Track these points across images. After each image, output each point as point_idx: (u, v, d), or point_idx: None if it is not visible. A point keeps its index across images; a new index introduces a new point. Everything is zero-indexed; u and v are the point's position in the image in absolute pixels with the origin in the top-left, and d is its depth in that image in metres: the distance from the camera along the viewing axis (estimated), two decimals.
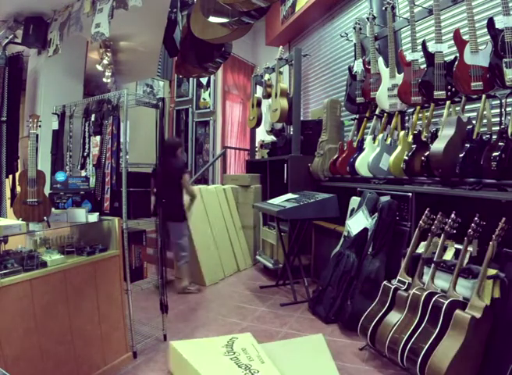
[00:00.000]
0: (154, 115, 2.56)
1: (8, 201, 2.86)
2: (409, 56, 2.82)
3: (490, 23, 2.22)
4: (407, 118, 3.30)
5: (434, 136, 2.61)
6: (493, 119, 2.50)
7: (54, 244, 2.09)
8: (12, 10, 3.08)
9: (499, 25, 2.19)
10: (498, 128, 2.30)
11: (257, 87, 5.13)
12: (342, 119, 4.05)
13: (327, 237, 3.53)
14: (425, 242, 2.28)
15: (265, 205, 3.49)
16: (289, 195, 3.55)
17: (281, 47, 4.55)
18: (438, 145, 2.45)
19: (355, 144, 3.44)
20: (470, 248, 2.05)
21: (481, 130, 2.38)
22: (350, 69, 3.57)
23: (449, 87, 2.53)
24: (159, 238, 2.56)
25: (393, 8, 3.11)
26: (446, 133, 2.44)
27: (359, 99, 3.39)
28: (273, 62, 4.56)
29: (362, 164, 3.18)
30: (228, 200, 4.48)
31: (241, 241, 4.47)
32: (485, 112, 2.42)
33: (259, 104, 4.87)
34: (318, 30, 5.09)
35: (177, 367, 1.97)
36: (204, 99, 6.46)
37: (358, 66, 3.41)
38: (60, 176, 2.31)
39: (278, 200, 3.47)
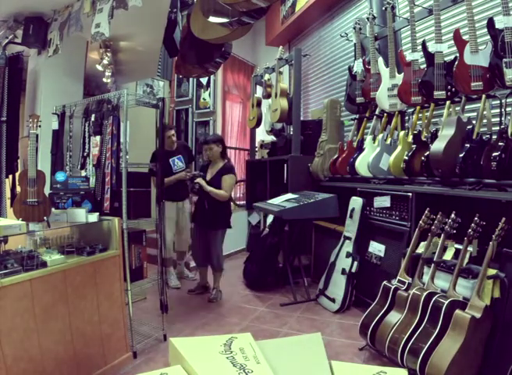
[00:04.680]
0: (154, 115, 2.56)
1: (8, 201, 2.86)
2: (409, 56, 2.82)
3: (490, 23, 2.22)
4: (407, 118, 3.30)
5: (434, 136, 2.61)
6: (493, 119, 2.50)
7: (54, 244, 2.09)
8: (12, 10, 3.08)
9: (499, 25, 2.19)
10: (498, 128, 2.30)
11: (257, 87, 5.12)
12: (342, 119, 4.05)
13: (327, 237, 3.53)
14: (425, 242, 2.28)
15: (265, 205, 3.49)
16: (289, 195, 3.55)
17: (281, 47, 4.54)
18: (438, 145, 2.45)
19: (355, 144, 3.44)
20: (470, 248, 2.05)
21: (481, 130, 2.38)
22: (350, 69, 3.57)
23: (449, 87, 2.53)
24: (159, 238, 2.56)
25: (393, 8, 3.11)
26: (446, 133, 2.44)
27: (359, 99, 3.39)
28: (273, 62, 4.55)
29: (362, 164, 3.18)
30: None
31: None
32: (485, 112, 2.42)
33: (259, 104, 4.87)
34: (318, 30, 5.08)
35: (175, 363, 1.98)
36: (204, 99, 6.46)
37: (358, 66, 3.41)
38: (60, 176, 2.31)
39: (278, 200, 3.47)
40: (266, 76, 4.66)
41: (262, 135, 5.64)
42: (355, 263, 2.98)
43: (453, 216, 2.14)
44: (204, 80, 6.37)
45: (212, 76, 6.13)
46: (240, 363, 1.65)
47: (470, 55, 2.35)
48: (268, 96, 4.56)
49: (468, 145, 2.33)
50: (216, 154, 3.32)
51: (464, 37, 2.39)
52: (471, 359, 1.81)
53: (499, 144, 2.16)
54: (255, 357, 1.71)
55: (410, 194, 2.62)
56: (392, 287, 2.25)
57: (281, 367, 1.68)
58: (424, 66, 2.69)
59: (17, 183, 2.32)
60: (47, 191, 2.26)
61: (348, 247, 3.06)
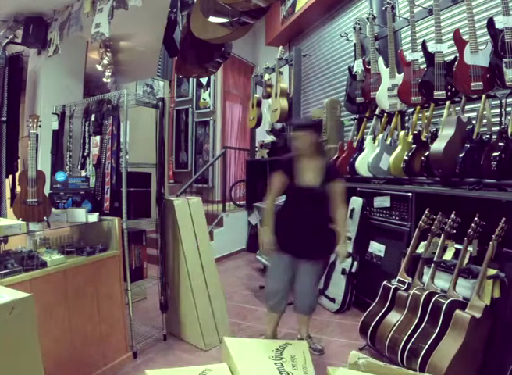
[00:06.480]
0: (154, 115, 2.56)
1: (8, 201, 2.86)
2: (409, 56, 2.82)
3: (490, 23, 2.22)
4: (406, 118, 3.30)
5: (434, 136, 2.61)
6: (493, 119, 2.50)
7: (54, 244, 2.09)
8: (12, 10, 3.08)
9: (499, 25, 2.19)
10: (498, 128, 2.30)
11: (257, 87, 5.13)
12: (342, 119, 4.05)
13: None
14: (425, 242, 2.28)
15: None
16: None
17: (281, 47, 4.55)
18: (438, 145, 2.45)
19: (355, 144, 3.44)
20: (470, 248, 2.05)
21: (481, 130, 2.38)
22: (350, 69, 3.57)
23: (449, 87, 2.53)
24: (159, 238, 2.56)
25: (393, 8, 3.11)
26: (446, 133, 2.44)
27: (359, 99, 3.39)
28: (273, 62, 4.56)
29: (362, 164, 3.18)
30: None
31: None
32: (485, 112, 2.42)
33: (259, 104, 4.88)
34: (318, 30, 5.08)
35: (225, 361, 1.97)
36: (204, 99, 6.46)
37: (358, 66, 3.41)
38: (60, 176, 2.31)
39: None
40: (266, 76, 4.66)
41: (262, 135, 5.64)
42: (355, 263, 2.99)
43: (453, 216, 2.14)
44: (204, 80, 6.37)
45: (212, 76, 6.13)
46: (287, 371, 1.63)
47: (470, 55, 2.35)
48: (268, 96, 4.57)
49: (468, 145, 2.33)
50: (311, 146, 2.27)
51: (464, 37, 2.39)
52: (471, 359, 1.81)
53: (499, 144, 2.16)
54: (304, 366, 1.68)
55: (410, 194, 2.62)
56: (393, 287, 2.25)
57: None
58: (424, 66, 2.69)
59: (17, 183, 2.32)
60: (47, 191, 2.26)
61: (348, 247, 3.06)
